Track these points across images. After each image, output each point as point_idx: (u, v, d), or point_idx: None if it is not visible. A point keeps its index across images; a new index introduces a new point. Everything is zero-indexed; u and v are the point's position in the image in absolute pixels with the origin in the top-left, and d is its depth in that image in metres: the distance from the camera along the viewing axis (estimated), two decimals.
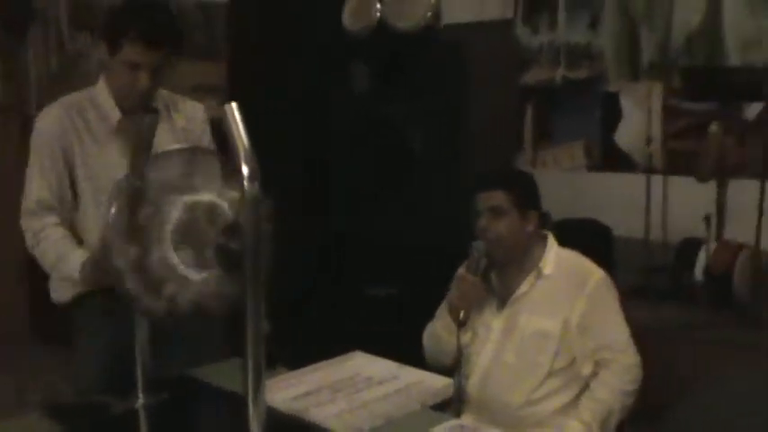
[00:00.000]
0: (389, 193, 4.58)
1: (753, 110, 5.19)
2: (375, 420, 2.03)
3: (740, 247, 4.51)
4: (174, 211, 2.09)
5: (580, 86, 6.14)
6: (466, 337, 2.95)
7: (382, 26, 4.08)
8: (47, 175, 2.69)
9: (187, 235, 2.10)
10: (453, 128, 4.62)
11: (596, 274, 2.94)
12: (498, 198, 2.94)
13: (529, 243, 3.00)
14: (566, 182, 5.98)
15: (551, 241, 3.04)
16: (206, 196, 2.09)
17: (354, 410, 2.07)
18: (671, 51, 5.78)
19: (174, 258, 2.05)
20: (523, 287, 2.96)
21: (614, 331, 2.87)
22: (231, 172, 1.90)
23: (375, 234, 4.54)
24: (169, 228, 2.08)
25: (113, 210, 2.06)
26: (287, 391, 2.14)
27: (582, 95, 6.12)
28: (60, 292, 2.86)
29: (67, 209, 2.78)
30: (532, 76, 6.30)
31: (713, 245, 4.54)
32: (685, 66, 5.40)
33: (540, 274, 2.95)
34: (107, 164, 2.68)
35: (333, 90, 4.98)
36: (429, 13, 4.28)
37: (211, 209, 2.10)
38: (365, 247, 4.57)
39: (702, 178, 4.73)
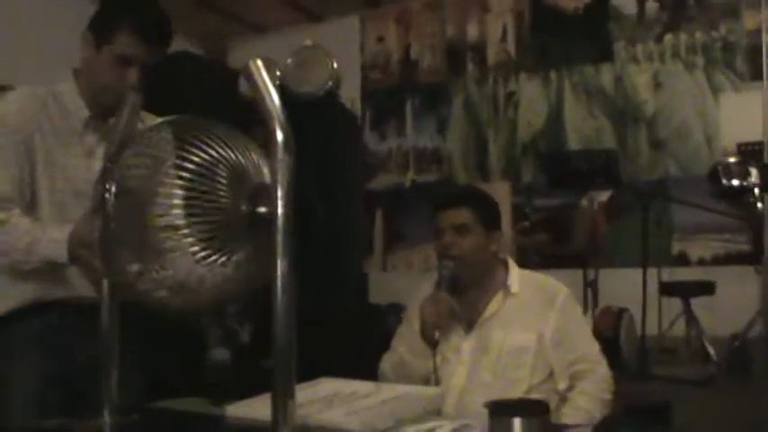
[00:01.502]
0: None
1: (601, 196, 5.43)
2: (386, 420, 1.84)
3: (621, 311, 4.56)
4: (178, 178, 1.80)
5: (430, 190, 6.17)
6: (436, 361, 2.82)
7: (282, 92, 3.94)
8: (9, 166, 2.42)
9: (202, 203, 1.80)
10: (352, 200, 4.46)
11: (562, 289, 2.97)
12: (463, 216, 2.92)
13: (492, 263, 2.98)
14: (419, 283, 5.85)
15: (512, 262, 3.03)
16: (230, 154, 1.83)
17: (361, 412, 1.88)
18: (517, 151, 6.01)
19: (189, 236, 1.72)
20: (492, 306, 2.90)
21: (588, 343, 2.89)
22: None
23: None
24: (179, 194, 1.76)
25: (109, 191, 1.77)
26: None
27: (432, 198, 6.14)
28: None
29: (23, 207, 2.48)
30: (381, 181, 6.29)
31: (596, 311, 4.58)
32: (545, 154, 5.56)
33: (508, 293, 2.91)
34: (68, 165, 2.46)
35: None
36: (330, 80, 4.19)
37: (236, 170, 1.83)
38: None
39: (577, 247, 4.81)
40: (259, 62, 1.59)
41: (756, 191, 4.11)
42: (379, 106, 6.47)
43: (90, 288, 2.24)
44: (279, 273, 1.54)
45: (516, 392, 2.69)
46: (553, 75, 6.06)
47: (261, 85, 1.58)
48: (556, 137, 5.98)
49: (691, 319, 4.65)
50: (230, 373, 2.00)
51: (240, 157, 1.79)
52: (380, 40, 6.64)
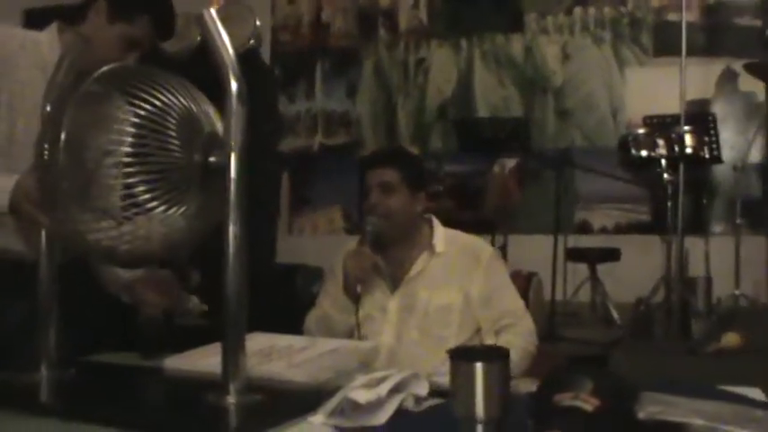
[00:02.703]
0: None
1: (509, 163, 5.52)
2: (326, 372, 1.83)
3: (530, 275, 4.65)
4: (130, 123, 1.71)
5: (338, 153, 6.14)
6: (359, 317, 2.83)
7: (202, 48, 3.86)
8: None
9: (151, 153, 1.72)
10: (269, 158, 4.40)
11: (487, 248, 3.02)
12: (389, 175, 2.96)
13: (417, 223, 3.01)
14: (324, 246, 5.83)
15: (437, 222, 3.06)
16: (180, 101, 1.75)
17: (302, 365, 1.86)
18: (426, 117, 6.03)
19: (138, 186, 1.65)
20: (418, 266, 2.92)
21: (513, 299, 2.95)
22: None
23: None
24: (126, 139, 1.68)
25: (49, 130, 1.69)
26: (215, 358, 1.82)
27: (339, 162, 6.12)
28: None
29: None
30: (289, 144, 6.22)
31: None
32: (454, 120, 5.59)
33: (433, 252, 2.94)
34: (30, 115, 2.31)
35: None
36: (251, 37, 4.13)
37: (187, 117, 1.75)
38: None
39: (489, 212, 4.88)
40: (213, 12, 1.55)
41: (663, 162, 4.25)
42: (289, 69, 6.39)
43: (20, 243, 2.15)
44: (231, 223, 1.52)
45: (443, 350, 2.71)
46: (464, 43, 6.10)
47: (215, 34, 1.55)
48: (465, 104, 6.04)
49: (596, 284, 4.80)
50: (162, 327, 1.95)
51: (191, 105, 1.73)
52: (291, 2, 6.54)
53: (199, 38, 2.74)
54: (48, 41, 2.45)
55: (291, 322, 2.81)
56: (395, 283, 2.86)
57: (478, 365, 1.18)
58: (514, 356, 2.65)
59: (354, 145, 6.19)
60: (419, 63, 6.21)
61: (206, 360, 1.89)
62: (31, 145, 2.14)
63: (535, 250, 4.60)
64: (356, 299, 2.74)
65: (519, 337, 2.76)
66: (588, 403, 1.16)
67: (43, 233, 1.85)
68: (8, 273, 2.12)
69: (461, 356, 1.20)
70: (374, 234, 2.80)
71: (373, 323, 2.84)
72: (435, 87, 6.13)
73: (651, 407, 1.21)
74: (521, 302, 2.88)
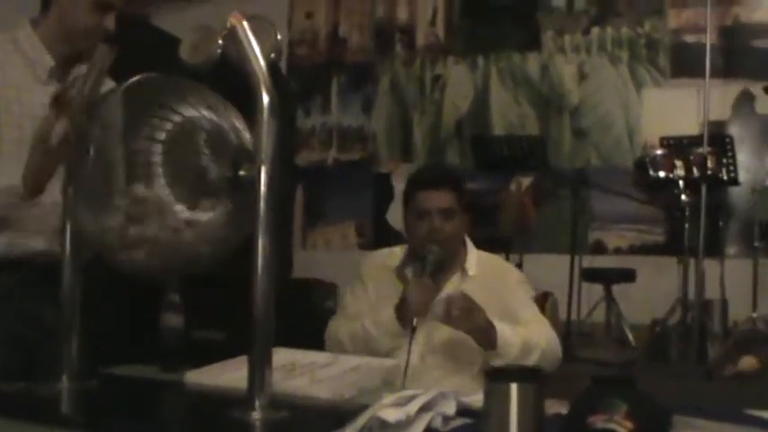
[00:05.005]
0: None
1: (525, 181, 5.53)
2: (350, 389, 1.82)
3: (546, 295, 4.64)
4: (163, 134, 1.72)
5: (352, 168, 6.15)
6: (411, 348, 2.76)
7: (224, 61, 3.87)
8: None
9: (180, 164, 1.73)
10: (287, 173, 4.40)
11: (516, 272, 2.93)
12: (449, 200, 2.77)
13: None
14: (338, 261, 5.83)
15: (470, 243, 2.97)
16: (206, 114, 1.76)
17: (325, 381, 1.85)
18: (442, 134, 6.04)
19: (167, 194, 1.64)
20: (448, 288, 2.82)
21: (534, 314, 2.84)
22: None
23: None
24: (158, 151, 1.68)
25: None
26: (238, 372, 1.81)
27: (354, 176, 6.12)
28: None
29: None
30: (304, 158, 6.23)
31: None
32: (471, 137, 5.58)
33: (465, 275, 2.85)
34: (34, 115, 2.33)
35: None
36: (273, 51, 4.14)
37: (216, 132, 1.76)
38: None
39: (505, 231, 4.87)
40: (245, 24, 1.54)
41: (681, 183, 4.24)
42: (305, 83, 6.40)
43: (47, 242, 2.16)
44: (260, 236, 1.50)
45: (468, 373, 2.65)
46: (480, 60, 6.11)
47: (247, 47, 1.54)
48: (481, 122, 6.03)
49: (611, 305, 4.78)
50: (183, 341, 1.94)
51: (220, 118, 1.73)
52: (309, 16, 6.57)
53: (219, 51, 2.73)
54: (25, 38, 2.45)
55: (307, 337, 2.78)
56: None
57: (513, 386, 1.17)
58: (532, 336, 2.61)
59: (369, 160, 6.19)
60: (435, 80, 6.21)
61: (228, 374, 1.88)
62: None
63: (550, 270, 4.58)
64: (412, 330, 2.62)
65: (539, 336, 2.65)
66: (623, 426, 1.15)
67: (68, 235, 1.85)
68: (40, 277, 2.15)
69: (497, 377, 1.19)
70: (435, 263, 2.67)
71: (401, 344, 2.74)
72: (451, 104, 6.13)
73: (685, 431, 1.20)
74: (543, 317, 2.79)
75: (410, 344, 2.59)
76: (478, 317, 2.45)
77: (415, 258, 2.73)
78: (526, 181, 5.68)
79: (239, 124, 1.75)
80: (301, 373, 1.90)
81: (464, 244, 2.84)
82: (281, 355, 2.02)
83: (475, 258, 2.80)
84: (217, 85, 2.12)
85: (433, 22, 6.30)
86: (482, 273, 2.78)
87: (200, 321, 3.72)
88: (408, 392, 1.45)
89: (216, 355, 2.53)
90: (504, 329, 2.55)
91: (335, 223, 6.18)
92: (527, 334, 2.59)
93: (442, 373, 2.67)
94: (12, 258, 2.24)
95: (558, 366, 2.67)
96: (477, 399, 1.54)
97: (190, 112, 1.76)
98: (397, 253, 2.82)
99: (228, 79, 1.91)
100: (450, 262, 2.77)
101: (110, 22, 2.35)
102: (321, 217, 6.21)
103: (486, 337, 2.51)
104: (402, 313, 2.66)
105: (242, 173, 1.64)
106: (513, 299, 2.74)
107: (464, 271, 2.76)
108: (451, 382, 2.51)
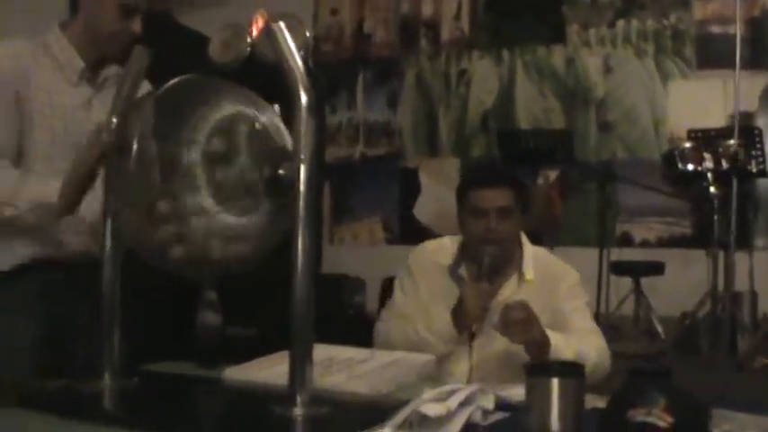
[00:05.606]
0: None
1: (552, 175, 5.54)
2: (388, 385, 1.83)
3: None
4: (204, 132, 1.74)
5: (379, 163, 6.17)
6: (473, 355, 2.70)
7: (253, 59, 3.89)
8: None
9: (221, 165, 1.75)
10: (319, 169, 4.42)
11: (573, 274, 2.83)
12: (507, 198, 2.64)
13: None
14: (365, 256, 5.86)
15: (526, 240, 2.87)
16: (245, 113, 1.78)
17: (363, 377, 1.87)
18: (468, 128, 6.05)
19: (207, 195, 1.67)
20: (505, 292, 2.71)
21: (585, 321, 2.77)
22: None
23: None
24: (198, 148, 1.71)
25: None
26: (276, 368, 1.84)
27: (380, 172, 6.15)
28: None
29: (12, 159, 2.39)
30: (331, 154, 6.26)
31: None
32: (498, 131, 5.59)
33: (522, 279, 2.76)
34: (66, 117, 2.38)
35: None
36: (302, 48, 4.16)
37: (255, 132, 1.78)
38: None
39: (533, 224, 4.87)
40: (282, 23, 1.55)
41: (710, 176, 4.24)
42: (331, 78, 6.43)
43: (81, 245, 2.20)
44: (299, 235, 1.51)
45: (521, 382, 2.57)
46: (506, 54, 6.10)
47: (284, 46, 1.54)
48: (506, 115, 6.04)
49: (640, 298, 4.78)
50: (221, 338, 1.97)
51: (260, 117, 1.76)
52: (334, 12, 6.59)
53: (249, 49, 2.76)
54: (55, 41, 2.49)
55: (336, 333, 2.77)
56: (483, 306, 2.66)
57: (555, 381, 1.19)
58: (585, 348, 2.56)
59: (395, 155, 6.22)
60: (461, 74, 6.22)
61: (267, 371, 1.91)
62: (71, 145, 2.18)
63: (578, 263, 4.54)
64: (471, 337, 2.55)
65: (592, 348, 2.58)
66: (662, 420, 1.17)
67: (108, 233, 1.87)
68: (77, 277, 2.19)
69: (538, 371, 1.21)
70: (491, 265, 2.61)
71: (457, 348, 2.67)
72: (477, 98, 6.13)
73: (724, 425, 1.22)
74: (595, 327, 2.69)
75: (470, 353, 2.53)
76: (536, 329, 2.36)
77: (468, 257, 2.65)
78: (553, 174, 5.69)
79: (279, 123, 1.77)
80: (339, 369, 1.93)
81: (520, 243, 2.73)
82: (318, 351, 2.04)
83: (531, 259, 2.68)
84: (251, 86, 2.15)
85: (457, 17, 6.31)
86: (539, 277, 2.66)
87: (230, 318, 3.76)
88: (448, 387, 1.47)
89: (248, 351, 2.56)
90: (557, 343, 2.43)
91: (362, 218, 6.21)
92: (579, 347, 2.50)
93: (496, 380, 2.58)
94: (47, 259, 2.28)
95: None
96: (515, 393, 1.57)
97: (229, 111, 1.79)
98: (447, 247, 2.72)
99: (246, 78, 1.94)
100: (506, 263, 2.66)
101: (136, 25, 2.39)
102: (348, 212, 6.24)
103: (539, 350, 2.41)
104: (459, 319, 2.57)
105: (281, 172, 1.66)
106: (567, 304, 2.63)
107: (521, 274, 2.66)
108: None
